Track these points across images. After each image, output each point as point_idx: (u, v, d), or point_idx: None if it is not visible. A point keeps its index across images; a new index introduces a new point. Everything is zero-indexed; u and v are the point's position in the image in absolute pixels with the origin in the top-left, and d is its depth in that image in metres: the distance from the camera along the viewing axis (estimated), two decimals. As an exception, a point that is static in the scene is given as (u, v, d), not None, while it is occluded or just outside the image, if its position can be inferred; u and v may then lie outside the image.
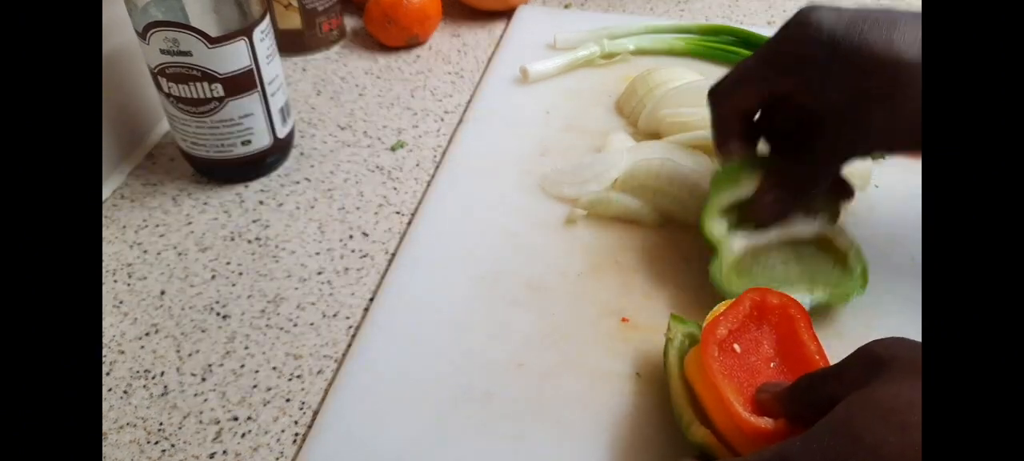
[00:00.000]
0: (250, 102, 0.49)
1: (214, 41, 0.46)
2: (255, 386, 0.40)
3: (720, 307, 0.37)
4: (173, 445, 0.37)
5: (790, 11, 0.72)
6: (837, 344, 0.40)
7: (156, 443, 0.37)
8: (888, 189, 0.50)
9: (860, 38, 0.36)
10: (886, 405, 0.24)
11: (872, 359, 0.28)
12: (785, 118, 0.43)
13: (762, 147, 0.45)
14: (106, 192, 0.53)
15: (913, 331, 0.41)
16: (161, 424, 0.38)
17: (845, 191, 0.43)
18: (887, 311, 0.42)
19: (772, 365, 0.35)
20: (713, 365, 0.33)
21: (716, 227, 0.42)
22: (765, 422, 0.32)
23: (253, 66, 0.48)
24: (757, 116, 0.43)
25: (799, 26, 0.38)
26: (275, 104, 0.51)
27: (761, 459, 0.28)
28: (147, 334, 0.43)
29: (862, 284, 0.41)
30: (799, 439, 0.27)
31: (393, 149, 0.56)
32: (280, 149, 0.54)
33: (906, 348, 0.27)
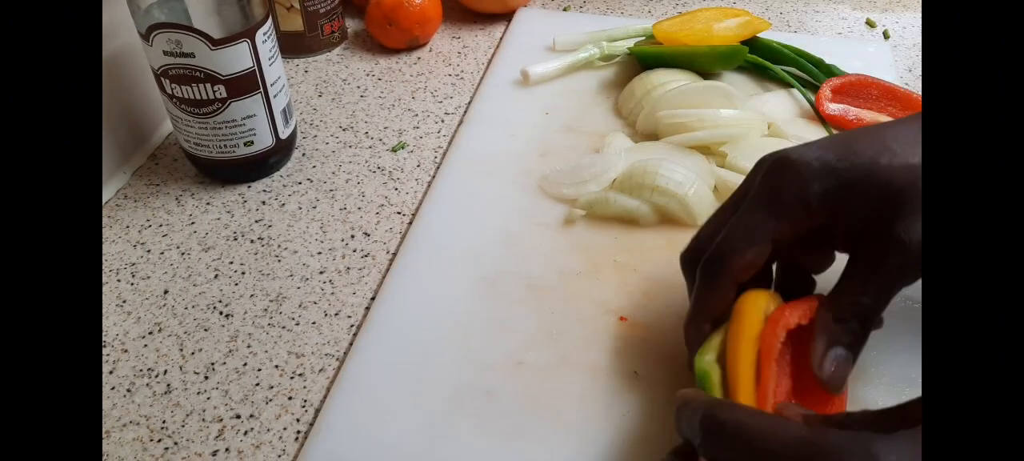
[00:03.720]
0: (252, 103, 0.50)
1: (217, 43, 0.46)
2: (257, 384, 0.40)
3: (759, 297, 0.35)
4: (176, 443, 0.38)
5: (786, 13, 0.73)
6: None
7: (159, 441, 0.38)
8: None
9: (859, 158, 0.33)
10: None
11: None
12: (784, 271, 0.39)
13: None
14: (109, 192, 0.53)
15: (907, 329, 0.41)
16: (164, 422, 0.39)
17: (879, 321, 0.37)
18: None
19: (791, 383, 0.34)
20: (774, 349, 0.32)
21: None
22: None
23: (255, 68, 0.49)
24: None
25: (787, 169, 0.34)
26: (277, 105, 0.52)
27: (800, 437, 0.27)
28: (150, 333, 0.43)
29: None
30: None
31: (394, 150, 0.57)
32: (282, 150, 0.54)
33: None
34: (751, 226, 0.34)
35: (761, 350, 0.33)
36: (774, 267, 0.38)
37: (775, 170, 0.35)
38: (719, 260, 0.35)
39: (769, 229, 0.34)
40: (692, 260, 0.37)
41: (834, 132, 0.51)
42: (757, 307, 0.34)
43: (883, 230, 0.32)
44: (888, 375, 0.39)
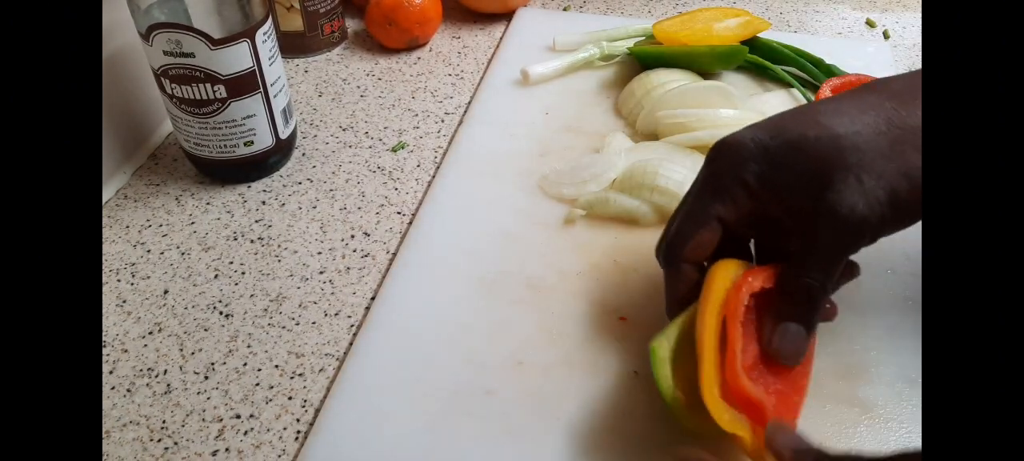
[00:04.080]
0: (252, 103, 0.50)
1: (217, 43, 0.46)
2: (257, 384, 0.40)
3: (729, 266, 0.36)
4: (176, 443, 0.38)
5: (786, 13, 0.73)
6: (829, 339, 0.40)
7: (159, 441, 0.38)
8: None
9: (789, 135, 0.34)
10: None
11: None
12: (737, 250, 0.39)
13: None
14: (109, 192, 0.53)
15: (907, 329, 0.41)
16: (164, 422, 0.39)
17: (851, 271, 0.39)
18: (881, 308, 0.42)
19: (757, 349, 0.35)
20: (739, 311, 0.33)
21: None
22: (757, 392, 0.32)
23: (255, 68, 0.49)
24: None
25: (724, 152, 0.36)
26: (277, 105, 0.52)
27: None
28: (150, 333, 0.43)
29: None
30: None
31: (394, 150, 0.57)
32: (282, 150, 0.54)
33: None
34: (696, 210, 0.36)
35: (726, 314, 0.34)
36: (752, 247, 0.40)
37: (716, 154, 0.37)
38: (670, 245, 0.37)
39: (713, 212, 0.36)
40: (658, 250, 0.39)
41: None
42: (726, 275, 0.36)
43: (814, 204, 0.33)
44: (888, 375, 0.39)
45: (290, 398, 0.40)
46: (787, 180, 0.34)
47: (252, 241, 0.49)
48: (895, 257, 0.46)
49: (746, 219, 0.36)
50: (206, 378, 0.41)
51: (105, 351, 0.42)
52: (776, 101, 0.58)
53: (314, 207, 0.52)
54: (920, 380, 0.38)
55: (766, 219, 0.36)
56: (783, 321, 0.34)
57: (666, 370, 0.35)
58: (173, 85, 0.48)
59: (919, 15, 0.72)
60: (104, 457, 0.37)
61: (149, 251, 0.49)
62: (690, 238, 0.36)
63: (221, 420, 0.39)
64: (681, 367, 0.35)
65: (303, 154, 0.57)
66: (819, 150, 0.33)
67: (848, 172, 0.32)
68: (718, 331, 0.34)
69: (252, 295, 0.46)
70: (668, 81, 0.57)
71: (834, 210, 0.32)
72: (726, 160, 0.36)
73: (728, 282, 0.35)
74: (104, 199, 0.53)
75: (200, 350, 0.42)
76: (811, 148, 0.33)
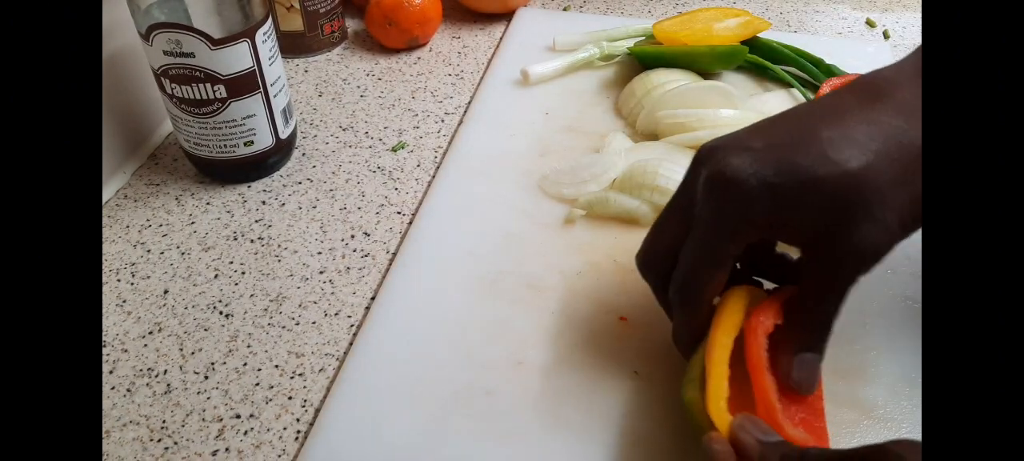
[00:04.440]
0: (252, 103, 0.50)
1: (217, 43, 0.46)
2: (257, 384, 0.40)
3: (741, 295, 0.36)
4: (176, 443, 0.38)
5: (786, 13, 0.73)
6: (831, 342, 0.40)
7: (159, 441, 0.38)
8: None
9: (799, 174, 0.32)
10: None
11: None
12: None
13: None
14: (109, 192, 0.53)
15: (907, 329, 0.41)
16: (164, 422, 0.39)
17: None
18: (881, 310, 0.42)
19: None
20: (762, 359, 0.33)
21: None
22: (801, 435, 0.32)
23: (255, 67, 0.49)
24: None
25: (727, 191, 0.33)
26: (277, 105, 0.52)
27: None
28: (150, 333, 0.43)
29: None
30: None
31: (394, 150, 0.57)
32: (282, 150, 0.54)
33: None
34: (710, 255, 0.34)
35: (751, 365, 0.33)
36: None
37: (715, 190, 0.34)
38: (690, 288, 0.35)
39: (727, 253, 0.34)
40: (648, 267, 0.38)
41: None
42: (737, 306, 0.35)
43: (833, 240, 0.32)
44: (888, 375, 0.39)
45: (290, 398, 0.40)
46: (799, 217, 0.33)
47: (252, 241, 0.49)
48: (895, 257, 0.45)
49: (754, 242, 0.35)
50: (206, 378, 0.41)
51: (105, 351, 0.42)
52: (776, 101, 0.58)
53: (314, 207, 0.52)
54: (920, 380, 0.38)
55: (772, 239, 0.36)
56: (799, 352, 0.33)
57: (704, 419, 0.34)
58: (173, 85, 0.48)
59: (919, 15, 0.72)
60: (104, 457, 0.37)
61: (149, 251, 0.49)
62: (709, 282, 0.35)
63: (221, 420, 0.39)
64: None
65: (303, 154, 0.57)
66: (834, 190, 0.31)
67: (863, 209, 0.31)
68: (728, 353, 0.33)
69: (252, 295, 0.46)
70: (668, 81, 0.57)
71: (852, 246, 0.32)
72: (730, 201, 0.33)
73: (739, 313, 0.35)
74: (104, 199, 0.53)
75: (200, 350, 0.42)
76: (825, 188, 0.32)
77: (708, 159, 0.35)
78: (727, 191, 0.33)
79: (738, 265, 0.38)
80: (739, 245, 0.34)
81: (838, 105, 0.35)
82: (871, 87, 0.35)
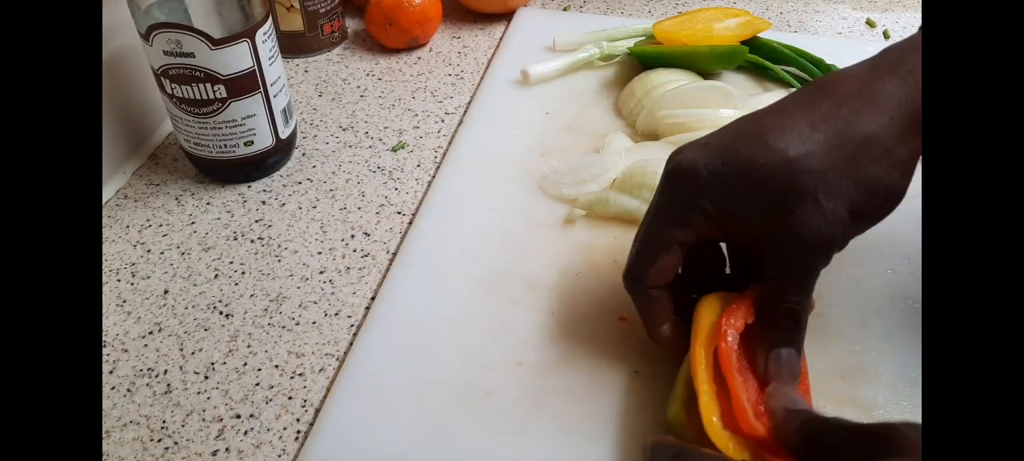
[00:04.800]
0: (253, 103, 0.50)
1: (217, 43, 0.46)
2: (257, 384, 0.40)
3: (715, 296, 0.37)
4: (176, 443, 0.38)
5: (786, 13, 0.73)
6: (831, 342, 0.40)
7: (159, 441, 0.38)
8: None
9: (741, 162, 0.33)
10: None
11: (896, 446, 0.27)
12: (705, 273, 0.39)
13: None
14: (109, 192, 0.53)
15: (907, 329, 0.41)
16: (164, 422, 0.39)
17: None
18: (881, 310, 0.42)
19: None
20: (731, 358, 0.33)
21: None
22: (763, 428, 0.32)
23: (255, 67, 0.49)
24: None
25: (678, 179, 0.35)
26: (277, 105, 0.52)
27: None
28: (150, 333, 0.43)
29: None
30: None
31: (394, 150, 0.57)
32: (282, 150, 0.54)
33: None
34: (655, 237, 0.36)
35: (722, 366, 0.34)
36: (725, 249, 0.40)
37: (670, 179, 0.35)
38: (633, 273, 0.37)
39: (674, 238, 0.35)
40: (627, 282, 0.38)
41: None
42: (711, 311, 0.36)
43: (780, 230, 0.33)
44: (888, 375, 0.39)
45: (290, 398, 0.40)
46: (745, 207, 0.33)
47: (252, 241, 0.49)
48: (895, 258, 0.46)
49: (710, 237, 0.36)
50: (206, 378, 0.41)
51: (105, 351, 0.42)
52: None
53: (314, 207, 0.52)
54: (920, 380, 0.38)
55: (731, 235, 0.36)
56: (773, 348, 0.34)
57: (688, 435, 0.34)
58: (173, 85, 0.48)
59: (919, 15, 0.72)
60: (104, 457, 0.37)
61: (149, 251, 0.49)
62: (651, 264, 0.36)
63: (221, 420, 0.39)
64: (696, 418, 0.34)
65: (303, 154, 0.57)
66: (773, 177, 0.32)
67: (805, 196, 0.32)
68: (710, 365, 0.34)
69: (252, 295, 0.46)
70: (668, 81, 0.57)
71: (799, 236, 0.32)
72: (680, 188, 0.35)
73: (713, 314, 0.36)
74: (104, 199, 0.53)
75: (200, 350, 0.42)
76: (765, 176, 0.32)
77: (671, 159, 0.36)
78: (679, 179, 0.35)
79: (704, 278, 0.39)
80: (687, 233, 0.35)
81: (787, 102, 0.36)
82: (819, 85, 0.36)
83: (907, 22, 0.70)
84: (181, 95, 0.48)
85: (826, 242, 0.32)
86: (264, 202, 0.52)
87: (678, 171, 0.35)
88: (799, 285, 0.34)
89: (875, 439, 0.26)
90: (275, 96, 0.51)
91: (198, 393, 0.40)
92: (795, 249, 0.33)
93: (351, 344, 0.42)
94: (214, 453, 0.37)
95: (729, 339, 0.34)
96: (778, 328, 0.34)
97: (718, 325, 0.35)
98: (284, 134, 0.53)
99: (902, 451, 0.25)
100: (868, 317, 0.42)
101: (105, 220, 0.51)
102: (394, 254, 0.48)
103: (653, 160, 0.49)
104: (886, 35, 0.69)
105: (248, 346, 0.42)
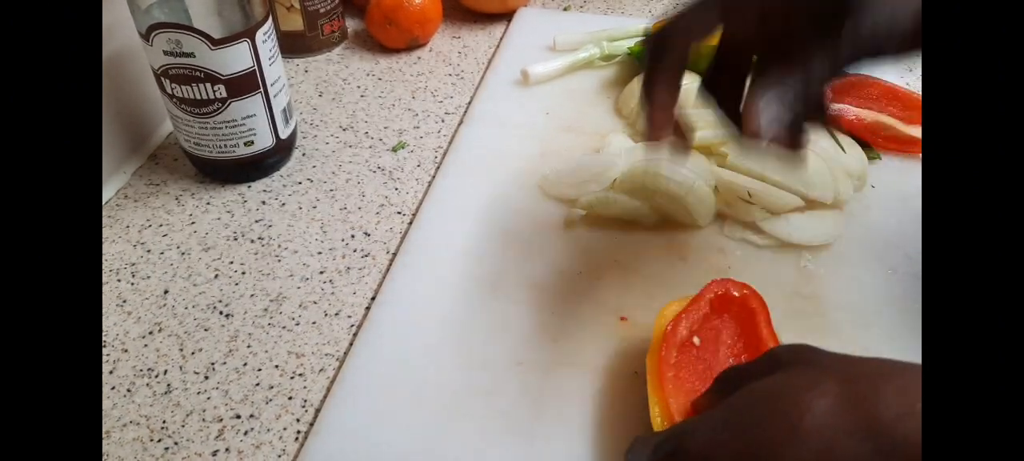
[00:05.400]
0: (253, 103, 0.50)
1: (217, 43, 0.46)
2: (257, 384, 0.40)
3: (673, 305, 0.38)
4: (176, 443, 0.38)
5: (788, 13, 0.72)
6: (833, 342, 0.40)
7: (159, 441, 0.38)
8: (884, 189, 0.50)
9: None
10: (774, 392, 0.27)
11: (775, 360, 0.30)
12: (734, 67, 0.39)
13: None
14: (109, 192, 0.53)
15: (909, 330, 0.41)
16: (164, 422, 0.39)
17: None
18: (882, 310, 0.42)
19: (730, 359, 0.37)
20: (666, 371, 0.35)
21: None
22: None
23: (256, 67, 0.49)
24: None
25: None
26: (277, 105, 0.52)
27: (663, 437, 0.29)
28: (150, 333, 0.43)
29: None
30: (697, 418, 0.29)
31: (394, 150, 0.57)
32: (282, 150, 0.54)
33: (806, 353, 0.30)
34: (698, 19, 0.36)
35: (658, 372, 0.35)
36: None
37: None
38: (671, 31, 0.37)
39: (717, 11, 0.35)
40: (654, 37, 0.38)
41: (834, 134, 0.51)
42: (663, 323, 0.37)
43: (833, 32, 0.31)
44: (888, 375, 0.39)
45: (290, 398, 0.40)
46: (806, 8, 0.32)
47: (252, 241, 0.49)
48: (896, 258, 0.46)
49: (750, 42, 0.35)
50: (206, 378, 0.41)
51: (105, 351, 0.42)
52: (776, 101, 0.58)
53: (314, 207, 0.52)
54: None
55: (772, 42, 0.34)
56: (763, 95, 0.32)
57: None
58: (173, 85, 0.48)
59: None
60: (104, 457, 0.37)
61: (149, 251, 0.49)
62: (686, 36, 0.36)
63: (221, 420, 0.39)
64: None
65: (303, 154, 0.57)
66: None
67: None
68: (662, 374, 0.35)
69: (252, 295, 0.45)
70: (668, 81, 0.57)
71: (856, 32, 0.31)
72: None
73: (663, 327, 0.37)
74: (104, 199, 0.53)
75: (200, 350, 0.42)
76: None
77: None
78: None
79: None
80: (733, 20, 0.35)
81: None
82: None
83: (907, 22, 0.70)
84: (181, 95, 0.48)
85: (880, 44, 0.31)
86: (264, 202, 0.52)
87: None
88: (837, 63, 0.32)
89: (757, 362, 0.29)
90: (275, 96, 0.51)
91: (198, 393, 0.40)
92: (850, 41, 0.31)
93: (351, 344, 0.42)
94: (214, 453, 0.37)
95: (670, 349, 0.35)
96: (782, 86, 0.32)
97: (666, 334, 0.36)
98: (284, 134, 0.53)
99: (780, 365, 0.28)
100: (869, 317, 0.42)
101: (105, 220, 0.51)
102: (394, 254, 0.48)
103: (654, 160, 0.49)
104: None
105: (248, 346, 0.42)
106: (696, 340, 0.37)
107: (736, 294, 0.38)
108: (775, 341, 0.37)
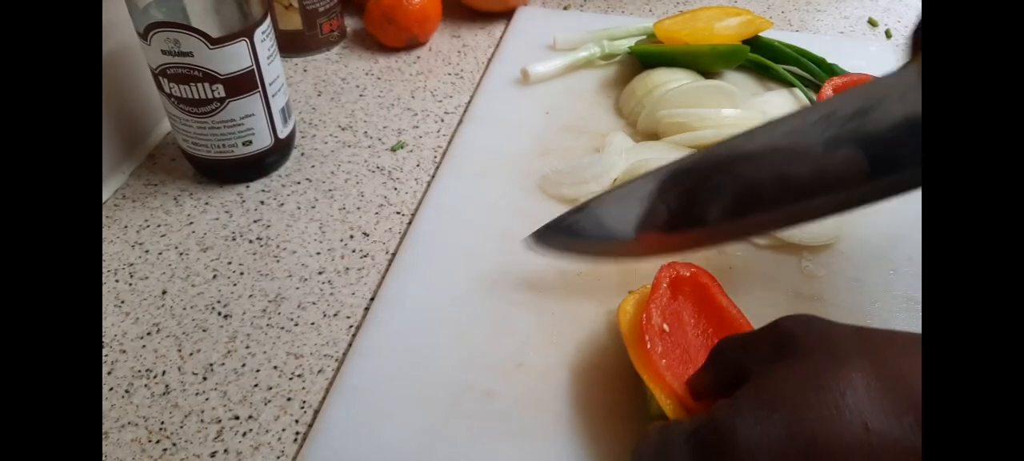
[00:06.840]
0: (251, 103, 0.50)
1: (215, 42, 0.46)
2: (256, 385, 0.40)
3: (631, 297, 0.39)
4: (174, 444, 0.38)
5: (787, 12, 0.72)
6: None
7: (157, 442, 0.38)
8: (886, 189, 0.50)
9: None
10: (808, 370, 0.26)
11: (784, 332, 0.29)
12: None
13: None
14: (108, 192, 0.53)
15: (908, 328, 0.41)
16: (162, 423, 0.39)
17: None
18: (883, 310, 0.42)
19: (700, 336, 0.37)
20: (656, 360, 0.34)
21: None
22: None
23: (254, 67, 0.48)
24: None
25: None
26: (276, 105, 0.51)
27: (690, 427, 0.28)
28: (148, 333, 0.43)
29: None
30: (725, 404, 0.27)
31: (393, 149, 0.57)
32: (281, 149, 0.54)
33: (817, 324, 0.28)
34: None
35: (650, 369, 0.35)
36: None
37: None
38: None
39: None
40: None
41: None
42: (629, 312, 0.38)
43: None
44: (890, 376, 0.39)
45: (289, 399, 0.40)
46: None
47: (251, 241, 0.49)
48: (896, 258, 0.45)
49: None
50: (204, 379, 0.41)
51: (103, 352, 0.42)
52: (777, 100, 0.58)
53: (313, 207, 0.52)
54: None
55: None
56: None
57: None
58: (171, 84, 0.48)
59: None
60: (103, 458, 0.37)
61: (147, 251, 0.49)
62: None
63: (220, 421, 0.39)
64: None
65: (302, 154, 0.56)
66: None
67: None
68: (649, 360, 0.35)
69: (251, 296, 0.45)
70: (669, 80, 0.57)
71: None
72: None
73: (632, 315, 0.37)
74: (102, 199, 0.53)
75: (198, 351, 0.42)
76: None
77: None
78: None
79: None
80: None
81: None
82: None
83: (909, 21, 0.70)
84: (179, 94, 0.48)
85: None
86: (263, 202, 0.52)
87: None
88: None
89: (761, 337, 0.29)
90: (273, 95, 0.51)
91: (196, 394, 0.40)
92: None
93: (350, 345, 0.42)
94: (213, 454, 0.37)
95: (647, 339, 0.35)
96: None
97: (643, 328, 0.36)
98: (283, 134, 0.53)
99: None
100: (870, 318, 0.42)
101: (103, 220, 0.51)
102: (393, 254, 0.48)
103: (654, 160, 0.49)
104: (888, 35, 0.68)
105: (247, 347, 0.42)
106: (665, 327, 0.37)
107: (686, 274, 0.38)
108: (734, 309, 0.37)
